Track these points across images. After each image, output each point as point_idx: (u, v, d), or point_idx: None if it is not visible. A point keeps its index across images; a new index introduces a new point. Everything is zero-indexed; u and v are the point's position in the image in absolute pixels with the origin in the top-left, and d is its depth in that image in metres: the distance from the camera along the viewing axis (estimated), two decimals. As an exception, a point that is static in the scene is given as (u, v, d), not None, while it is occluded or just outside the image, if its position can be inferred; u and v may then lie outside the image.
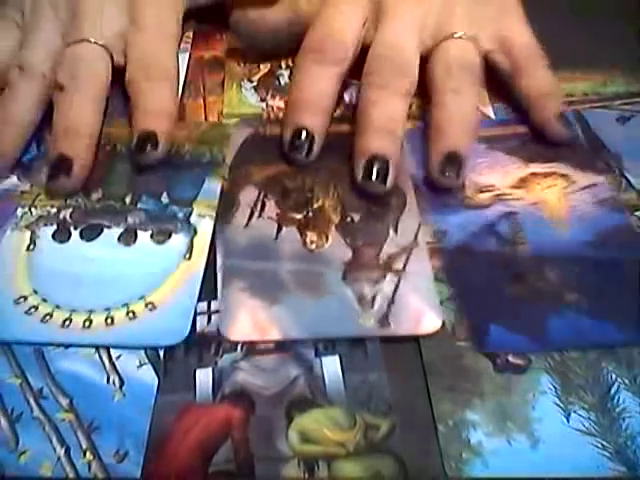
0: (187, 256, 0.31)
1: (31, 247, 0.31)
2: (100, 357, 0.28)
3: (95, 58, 0.36)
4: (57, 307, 0.29)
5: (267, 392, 0.27)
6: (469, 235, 0.33)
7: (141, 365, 0.28)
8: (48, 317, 0.29)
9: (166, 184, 0.35)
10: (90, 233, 0.32)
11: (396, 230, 0.32)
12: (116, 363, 0.28)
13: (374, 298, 0.30)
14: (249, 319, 0.29)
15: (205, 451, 0.25)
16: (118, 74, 0.38)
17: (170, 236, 0.32)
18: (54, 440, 0.25)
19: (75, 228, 0.32)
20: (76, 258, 0.31)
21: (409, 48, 0.36)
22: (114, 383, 0.27)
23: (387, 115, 0.34)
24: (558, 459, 0.25)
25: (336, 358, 0.28)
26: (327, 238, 0.32)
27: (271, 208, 0.34)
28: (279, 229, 0.33)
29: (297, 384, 0.27)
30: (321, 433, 0.26)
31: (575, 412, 0.26)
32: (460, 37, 0.36)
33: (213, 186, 0.35)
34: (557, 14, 0.44)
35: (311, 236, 0.32)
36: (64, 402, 0.26)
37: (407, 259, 0.31)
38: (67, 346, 0.28)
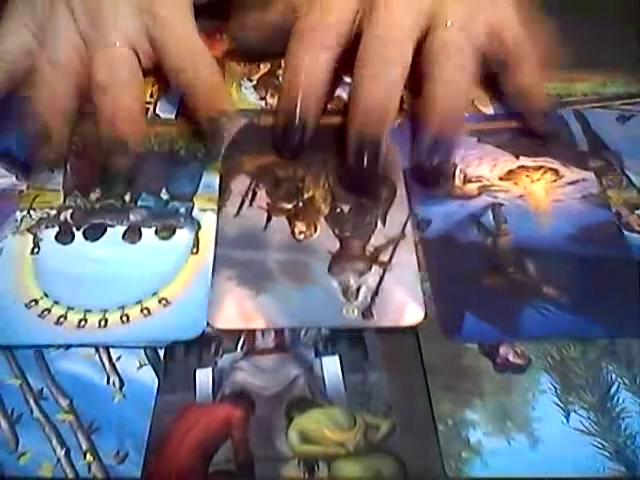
0: (194, 250, 0.31)
1: (35, 250, 0.31)
2: (100, 358, 0.28)
3: (128, 60, 0.37)
4: (70, 308, 0.29)
5: (267, 392, 0.27)
6: (453, 225, 0.33)
7: (141, 366, 0.28)
8: (62, 319, 0.29)
9: (164, 180, 0.35)
10: (94, 233, 0.32)
11: (384, 222, 0.33)
12: (116, 364, 0.28)
13: (358, 289, 0.30)
14: (235, 308, 0.29)
15: (205, 451, 0.25)
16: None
17: (175, 232, 0.32)
18: (54, 441, 0.25)
19: (78, 229, 0.32)
20: (83, 259, 0.31)
21: (403, 37, 0.36)
22: (114, 384, 0.27)
23: (379, 102, 0.34)
24: (558, 459, 0.25)
25: (336, 358, 0.28)
26: (316, 228, 0.32)
27: (262, 197, 0.34)
28: (269, 219, 0.33)
29: (297, 384, 0.27)
30: (321, 433, 0.26)
31: (575, 412, 0.26)
32: (453, 25, 0.36)
33: (212, 180, 0.35)
34: (557, 14, 0.45)
35: (300, 226, 0.32)
36: (64, 403, 0.26)
37: (393, 251, 0.31)
38: (81, 346, 0.28)
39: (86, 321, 0.29)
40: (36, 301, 0.29)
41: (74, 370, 0.28)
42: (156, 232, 0.32)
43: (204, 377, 0.28)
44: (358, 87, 0.35)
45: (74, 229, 0.32)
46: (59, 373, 0.27)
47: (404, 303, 0.29)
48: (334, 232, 0.32)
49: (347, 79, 0.41)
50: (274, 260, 0.31)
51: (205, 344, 0.28)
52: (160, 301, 0.29)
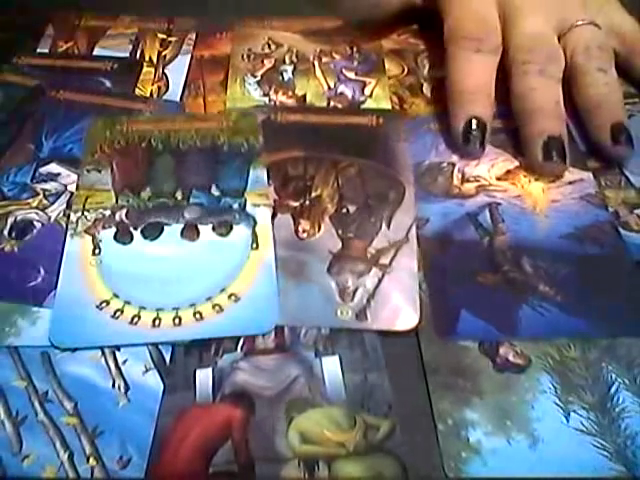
0: (254, 246, 0.31)
1: (96, 252, 0.31)
2: (106, 361, 0.28)
3: None
4: (142, 308, 0.29)
5: (267, 392, 0.27)
6: (450, 224, 0.33)
7: (147, 370, 0.28)
8: (137, 319, 0.29)
9: (212, 176, 0.35)
10: (152, 232, 0.32)
11: (389, 225, 0.33)
12: (122, 368, 0.28)
13: (355, 291, 0.30)
14: None
15: (205, 452, 0.26)
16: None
17: (232, 228, 0.32)
18: (58, 444, 0.26)
19: (135, 228, 0.32)
20: (145, 258, 0.31)
21: (551, 37, 0.38)
22: (119, 388, 0.27)
23: (551, 99, 0.36)
24: (557, 459, 0.25)
25: (336, 358, 0.28)
26: (319, 228, 0.32)
27: (270, 194, 0.34)
28: (274, 215, 0.33)
29: (297, 384, 0.28)
30: (321, 433, 0.26)
31: (575, 412, 0.26)
32: (584, 24, 0.38)
33: (259, 175, 0.35)
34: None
35: (304, 224, 0.32)
36: (69, 406, 0.27)
37: (395, 255, 0.31)
38: (159, 344, 0.29)
39: (160, 320, 0.29)
40: (107, 302, 0.29)
41: (80, 373, 0.28)
42: (213, 229, 0.32)
43: (204, 377, 0.28)
44: (526, 85, 0.36)
45: (131, 229, 0.32)
46: (65, 375, 0.28)
47: (399, 307, 0.29)
48: (337, 232, 0.32)
49: (350, 75, 0.42)
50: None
51: (205, 344, 0.29)
52: (230, 297, 0.29)
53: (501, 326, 0.29)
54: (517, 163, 0.36)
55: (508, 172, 0.35)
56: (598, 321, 0.29)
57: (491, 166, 0.35)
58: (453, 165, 0.35)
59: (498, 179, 0.35)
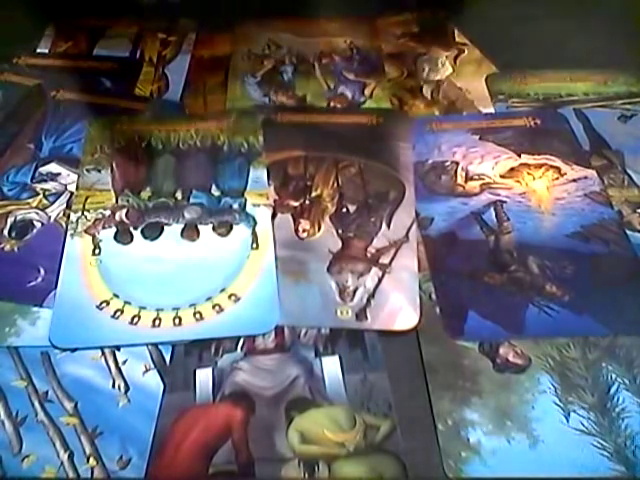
0: (254, 246, 0.31)
1: (96, 252, 0.31)
2: (106, 361, 0.28)
3: None
4: (142, 308, 0.29)
5: (267, 392, 0.27)
6: (455, 223, 0.33)
7: (147, 370, 0.28)
8: (137, 319, 0.29)
9: (212, 176, 0.35)
10: (152, 232, 0.32)
11: (389, 224, 0.33)
12: (122, 368, 0.28)
13: (355, 291, 0.30)
14: None
15: (205, 452, 0.26)
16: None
17: (232, 228, 0.32)
18: (58, 444, 0.26)
19: (135, 228, 0.32)
20: (146, 258, 0.31)
21: None
22: (119, 388, 0.27)
23: None
24: (557, 458, 0.25)
25: (336, 358, 0.28)
26: (319, 227, 0.32)
27: (270, 193, 0.34)
28: (274, 215, 0.33)
29: (297, 384, 0.28)
30: (321, 433, 0.26)
31: (575, 412, 0.26)
32: None
33: (259, 175, 0.35)
34: (559, 14, 0.44)
35: (304, 224, 0.33)
36: (69, 406, 0.27)
37: (395, 254, 0.31)
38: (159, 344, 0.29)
39: (160, 320, 0.29)
40: (107, 302, 0.29)
41: (80, 373, 0.28)
42: (213, 229, 0.32)
43: (204, 377, 0.28)
44: None
45: (131, 229, 0.32)
46: (65, 375, 0.28)
47: (399, 307, 0.29)
48: (337, 232, 0.32)
49: (350, 76, 0.42)
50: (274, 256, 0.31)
51: (205, 344, 0.29)
52: (230, 297, 0.29)
53: (509, 327, 0.29)
54: (521, 160, 0.36)
55: (512, 169, 0.35)
56: (605, 320, 0.29)
57: (495, 164, 0.35)
58: (457, 164, 0.35)
59: (502, 177, 0.35)
